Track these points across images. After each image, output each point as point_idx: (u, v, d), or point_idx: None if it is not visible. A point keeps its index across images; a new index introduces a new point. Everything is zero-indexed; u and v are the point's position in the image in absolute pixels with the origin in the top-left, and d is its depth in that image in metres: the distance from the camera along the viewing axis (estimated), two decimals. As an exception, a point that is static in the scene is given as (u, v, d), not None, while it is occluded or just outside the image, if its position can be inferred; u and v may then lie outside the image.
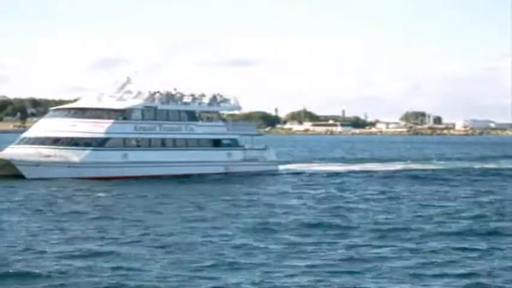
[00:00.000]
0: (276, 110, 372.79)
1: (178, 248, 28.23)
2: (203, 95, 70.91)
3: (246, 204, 43.86)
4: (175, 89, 69.47)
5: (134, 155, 65.07)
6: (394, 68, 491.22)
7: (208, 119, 71.16)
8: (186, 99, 69.57)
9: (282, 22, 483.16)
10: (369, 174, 69.47)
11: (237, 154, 70.86)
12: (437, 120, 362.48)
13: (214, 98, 71.13)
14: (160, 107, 67.28)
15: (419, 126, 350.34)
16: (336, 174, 69.12)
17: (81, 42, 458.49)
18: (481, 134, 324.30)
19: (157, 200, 46.39)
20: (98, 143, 63.81)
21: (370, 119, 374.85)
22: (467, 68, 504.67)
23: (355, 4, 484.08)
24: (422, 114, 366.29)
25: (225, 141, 70.69)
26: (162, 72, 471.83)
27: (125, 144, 65.15)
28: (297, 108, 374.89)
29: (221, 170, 68.85)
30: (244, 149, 71.75)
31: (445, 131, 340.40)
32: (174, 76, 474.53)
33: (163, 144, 67.00)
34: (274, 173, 70.22)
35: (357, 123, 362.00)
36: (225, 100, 72.21)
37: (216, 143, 70.11)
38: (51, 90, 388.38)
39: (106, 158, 63.59)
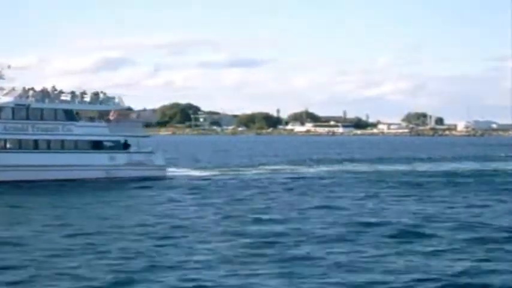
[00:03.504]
0: (278, 111, 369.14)
1: None
2: (84, 93, 65.23)
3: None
4: (53, 86, 63.90)
5: (2, 158, 59.56)
6: (396, 69, 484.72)
7: (91, 119, 65.70)
8: (64, 97, 63.92)
9: (285, 23, 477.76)
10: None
11: (121, 157, 65.08)
12: (439, 121, 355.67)
13: (96, 96, 65.42)
14: (34, 105, 61.63)
15: (421, 127, 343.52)
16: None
17: (86, 43, 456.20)
18: (482, 135, 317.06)
19: None
20: (-39, 145, 58.63)
21: (371, 120, 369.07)
22: (469, 69, 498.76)
23: (357, 4, 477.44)
24: (424, 115, 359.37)
25: (107, 144, 64.96)
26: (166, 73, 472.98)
27: (-9, 145, 59.81)
28: (299, 109, 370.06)
29: (102, 174, 63.19)
30: (129, 152, 66.00)
31: (447, 132, 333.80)
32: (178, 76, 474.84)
33: (36, 146, 61.41)
34: (162, 179, 64.55)
35: (359, 124, 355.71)
36: (108, 98, 66.44)
37: (97, 145, 64.39)
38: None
39: None
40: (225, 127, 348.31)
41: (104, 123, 65.33)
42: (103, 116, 66.56)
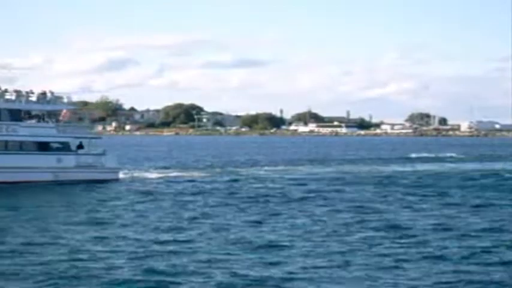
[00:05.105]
0: (281, 111, 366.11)
1: None
2: (31, 92, 62.15)
3: None
4: (-4, 85, 60.95)
5: None
6: (400, 69, 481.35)
7: (42, 119, 62.58)
8: (8, 96, 60.87)
9: (288, 23, 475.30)
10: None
11: (69, 160, 61.96)
12: (443, 121, 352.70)
13: (43, 95, 62.33)
14: (-24, 104, 58.77)
15: (424, 128, 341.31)
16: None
17: (90, 44, 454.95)
18: (486, 135, 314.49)
19: None
20: None
21: (375, 120, 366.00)
22: (473, 69, 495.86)
23: (360, 5, 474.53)
24: (428, 116, 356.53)
25: (54, 145, 61.83)
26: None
27: None
28: (302, 109, 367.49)
29: (49, 177, 60.05)
30: (78, 154, 62.88)
31: (450, 132, 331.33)
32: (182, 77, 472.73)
33: (-22, 147, 58.49)
34: (114, 182, 61.62)
35: (362, 124, 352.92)
36: (57, 98, 63.38)
37: (44, 147, 61.28)
38: (60, 92, 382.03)
39: None
40: (228, 127, 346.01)
41: (51, 124, 62.28)
42: (52, 116, 63.46)
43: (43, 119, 62.48)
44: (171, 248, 29.63)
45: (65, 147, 62.00)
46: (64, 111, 64.04)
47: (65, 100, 63.68)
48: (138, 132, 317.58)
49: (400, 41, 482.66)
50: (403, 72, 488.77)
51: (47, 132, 61.43)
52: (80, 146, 63.74)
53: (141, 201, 47.41)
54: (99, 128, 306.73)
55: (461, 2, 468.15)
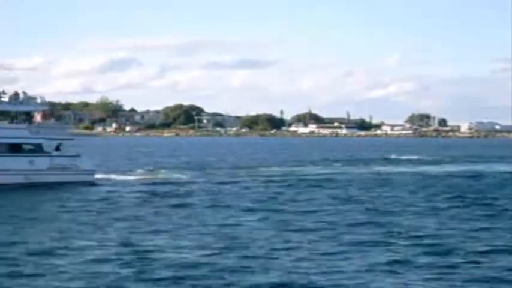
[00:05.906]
0: (282, 112, 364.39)
1: None
2: (3, 93, 60.55)
3: None
4: (-33, 86, 59.41)
5: None
6: (400, 70, 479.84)
7: (14, 120, 60.96)
8: (-21, 97, 59.39)
9: (288, 24, 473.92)
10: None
11: (42, 162, 60.26)
12: (443, 122, 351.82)
13: (16, 96, 60.72)
14: None
15: (424, 129, 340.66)
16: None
17: (92, 44, 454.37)
18: (486, 136, 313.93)
19: None
20: None
21: (375, 121, 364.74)
22: (473, 71, 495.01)
23: (361, 6, 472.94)
24: (428, 117, 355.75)
25: (26, 147, 60.23)
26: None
27: None
28: (303, 110, 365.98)
29: (20, 180, 58.35)
30: (51, 156, 61.20)
31: (450, 134, 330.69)
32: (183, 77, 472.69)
33: None
34: (89, 184, 59.97)
35: (362, 125, 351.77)
36: (30, 98, 61.76)
37: (15, 149, 59.62)
38: (61, 92, 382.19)
39: None
40: (228, 128, 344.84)
41: (23, 125, 60.63)
42: (28, 117, 61.80)
43: (16, 120, 60.97)
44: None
45: (37, 149, 60.36)
46: (37, 112, 62.46)
47: (38, 100, 62.06)
48: (138, 134, 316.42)
49: (401, 42, 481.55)
50: (403, 73, 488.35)
51: (18, 133, 59.82)
52: (58, 148, 62.31)
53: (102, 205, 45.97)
54: (99, 129, 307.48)
55: (461, 3, 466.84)
